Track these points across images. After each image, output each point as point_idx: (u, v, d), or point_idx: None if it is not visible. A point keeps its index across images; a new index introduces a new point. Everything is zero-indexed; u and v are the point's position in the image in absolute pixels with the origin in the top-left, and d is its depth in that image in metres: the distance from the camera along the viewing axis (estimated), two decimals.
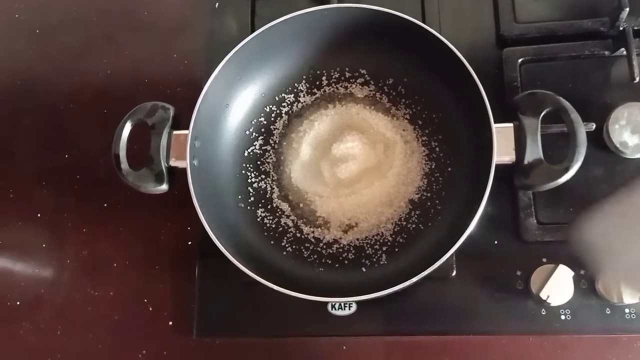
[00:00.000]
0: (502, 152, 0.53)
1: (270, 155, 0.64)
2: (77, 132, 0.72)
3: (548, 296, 0.54)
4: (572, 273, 0.55)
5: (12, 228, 0.70)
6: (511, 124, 0.54)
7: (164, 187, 0.57)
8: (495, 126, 0.53)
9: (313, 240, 0.61)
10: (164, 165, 0.57)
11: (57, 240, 0.69)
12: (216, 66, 0.59)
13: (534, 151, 0.52)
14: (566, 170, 0.51)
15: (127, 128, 0.58)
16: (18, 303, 0.67)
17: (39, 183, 0.71)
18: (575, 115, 0.51)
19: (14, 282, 0.68)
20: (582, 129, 0.51)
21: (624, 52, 0.60)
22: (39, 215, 0.70)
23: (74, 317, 0.66)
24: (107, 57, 0.74)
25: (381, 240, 0.60)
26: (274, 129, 0.64)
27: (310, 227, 0.61)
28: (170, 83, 0.71)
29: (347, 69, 0.64)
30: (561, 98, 0.53)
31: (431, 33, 0.56)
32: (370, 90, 0.64)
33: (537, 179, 0.52)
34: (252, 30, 0.65)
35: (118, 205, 0.68)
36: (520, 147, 0.52)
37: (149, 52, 0.74)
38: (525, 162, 0.52)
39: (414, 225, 0.60)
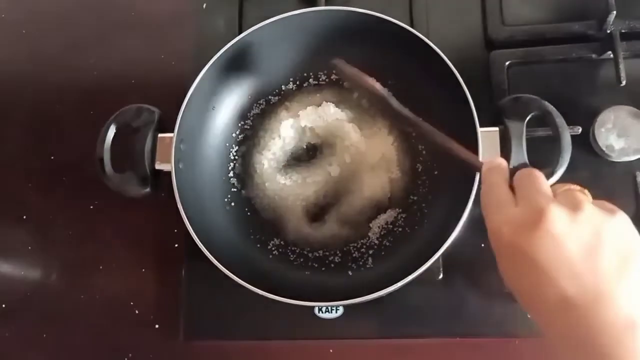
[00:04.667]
0: (488, 156, 0.52)
1: (257, 158, 0.63)
2: (64, 133, 0.71)
3: None
4: None
5: None
6: (497, 128, 0.54)
7: (148, 190, 0.57)
8: (480, 130, 0.53)
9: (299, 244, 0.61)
10: (148, 168, 0.56)
11: (43, 243, 0.68)
12: (203, 67, 0.58)
13: (519, 155, 0.52)
14: (551, 174, 0.51)
15: (112, 131, 0.57)
16: (3, 306, 0.67)
17: (25, 184, 0.70)
18: (560, 120, 0.52)
19: None
20: (567, 134, 0.51)
21: (611, 55, 0.61)
22: (24, 217, 0.69)
23: (60, 320, 0.65)
24: (94, 57, 0.73)
25: (367, 244, 0.60)
26: (261, 131, 0.64)
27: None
28: (158, 84, 0.70)
29: (334, 71, 0.64)
30: (546, 102, 0.53)
31: (417, 36, 0.56)
32: (356, 91, 0.63)
33: None
34: (240, 31, 0.64)
35: (105, 207, 0.68)
36: (505, 151, 0.52)
37: (137, 52, 0.73)
38: (511, 166, 0.51)
39: (400, 229, 0.60)
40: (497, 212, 0.40)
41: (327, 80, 0.64)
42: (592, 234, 0.36)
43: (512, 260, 0.38)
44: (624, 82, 0.58)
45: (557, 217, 0.36)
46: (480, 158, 0.52)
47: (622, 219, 0.37)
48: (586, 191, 0.41)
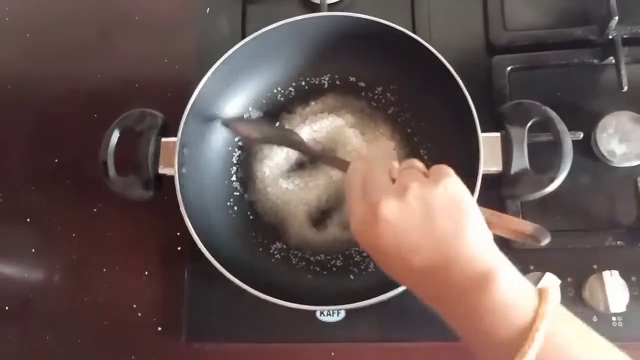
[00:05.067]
0: (489, 161, 0.53)
1: (259, 162, 0.64)
2: (68, 136, 0.72)
3: None
4: (558, 281, 0.56)
5: (2, 232, 0.71)
6: (498, 134, 0.54)
7: (151, 194, 0.57)
8: (482, 135, 0.53)
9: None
10: (151, 172, 0.57)
11: (47, 245, 0.68)
12: (206, 72, 0.59)
13: (520, 161, 0.52)
14: (552, 180, 0.51)
15: (115, 135, 0.58)
16: (7, 308, 0.67)
17: (29, 187, 0.71)
18: (561, 126, 0.52)
19: (2, 286, 0.68)
20: (568, 140, 0.51)
21: (613, 61, 0.61)
22: (28, 219, 0.69)
23: (62, 322, 0.66)
24: (98, 61, 0.74)
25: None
26: None
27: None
28: (161, 88, 0.71)
29: (336, 76, 0.64)
30: (547, 108, 0.53)
31: (419, 42, 0.56)
32: (359, 98, 0.64)
33: (523, 189, 0.52)
34: (243, 36, 0.65)
35: (108, 210, 0.68)
36: (506, 157, 0.53)
37: (140, 56, 0.74)
38: (512, 172, 0.52)
39: None
40: (350, 214, 0.43)
41: (329, 84, 0.65)
42: (422, 208, 0.39)
43: (372, 254, 0.42)
44: (625, 88, 0.58)
45: (388, 207, 0.40)
46: (482, 164, 0.52)
47: (448, 185, 0.40)
48: (418, 164, 0.44)
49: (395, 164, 0.45)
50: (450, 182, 0.40)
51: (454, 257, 0.38)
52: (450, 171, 0.42)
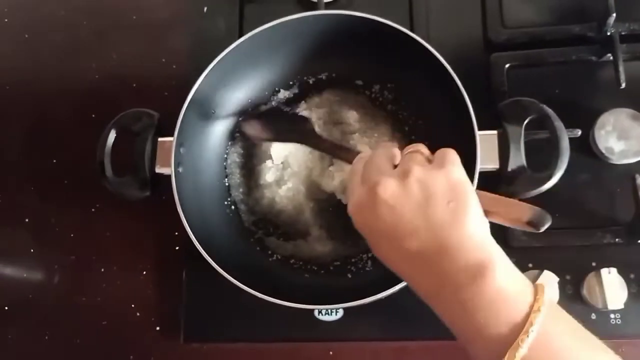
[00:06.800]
0: (486, 159, 0.53)
1: (257, 161, 0.63)
2: (65, 136, 0.72)
3: None
4: (556, 278, 0.56)
5: (0, 233, 0.70)
6: (495, 132, 0.54)
7: (148, 194, 0.57)
8: (479, 133, 0.52)
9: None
10: (148, 172, 0.57)
11: (45, 246, 0.69)
12: (203, 71, 0.58)
13: (517, 159, 0.52)
14: (549, 177, 0.51)
15: (112, 135, 0.58)
16: (6, 308, 0.67)
17: (27, 188, 0.71)
18: (558, 123, 0.52)
19: (1, 287, 0.68)
20: (565, 137, 0.51)
21: (611, 58, 0.60)
22: (26, 220, 0.69)
23: (61, 322, 0.66)
24: (95, 61, 0.74)
25: (367, 247, 0.60)
26: None
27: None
28: (158, 87, 0.70)
29: (333, 74, 0.64)
30: (544, 106, 0.53)
31: (416, 40, 0.56)
32: (357, 96, 0.63)
33: (521, 186, 0.52)
34: (241, 35, 0.64)
35: (105, 210, 0.68)
36: (503, 154, 0.53)
37: (137, 55, 0.74)
38: (509, 169, 0.52)
39: None
40: (349, 197, 0.43)
41: (327, 83, 0.64)
42: (421, 192, 0.39)
43: (368, 237, 0.42)
44: (623, 85, 0.58)
45: (387, 188, 0.40)
46: (479, 162, 0.52)
47: (450, 171, 0.40)
48: (422, 148, 0.44)
49: (397, 151, 0.45)
50: (454, 169, 0.40)
51: (449, 245, 0.38)
52: (454, 158, 0.41)
